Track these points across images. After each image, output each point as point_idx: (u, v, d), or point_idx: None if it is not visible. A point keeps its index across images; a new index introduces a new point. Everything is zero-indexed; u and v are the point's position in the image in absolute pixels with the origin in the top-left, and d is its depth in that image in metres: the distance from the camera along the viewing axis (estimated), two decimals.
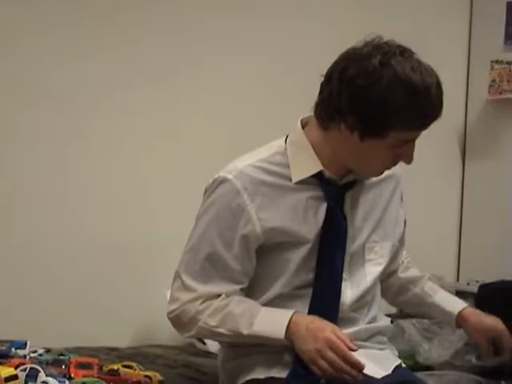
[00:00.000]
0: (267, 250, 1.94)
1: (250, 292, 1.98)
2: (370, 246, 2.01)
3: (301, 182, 1.94)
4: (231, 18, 3.15)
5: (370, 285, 2.01)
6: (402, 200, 2.13)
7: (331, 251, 1.95)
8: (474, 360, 2.62)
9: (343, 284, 1.97)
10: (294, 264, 1.93)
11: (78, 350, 2.45)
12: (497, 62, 3.59)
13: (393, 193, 2.08)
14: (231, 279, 1.94)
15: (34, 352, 2.29)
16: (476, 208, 3.73)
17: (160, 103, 3.01)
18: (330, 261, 1.95)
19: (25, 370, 1.99)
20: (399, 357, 2.10)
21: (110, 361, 2.37)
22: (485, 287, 3.03)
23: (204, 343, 2.77)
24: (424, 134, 3.60)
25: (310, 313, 1.92)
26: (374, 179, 2.03)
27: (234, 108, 3.13)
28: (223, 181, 1.94)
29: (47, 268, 2.80)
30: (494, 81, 3.61)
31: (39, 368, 2.00)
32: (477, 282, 3.15)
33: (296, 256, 1.93)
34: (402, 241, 2.16)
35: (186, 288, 1.96)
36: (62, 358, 2.24)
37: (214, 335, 1.97)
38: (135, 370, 2.21)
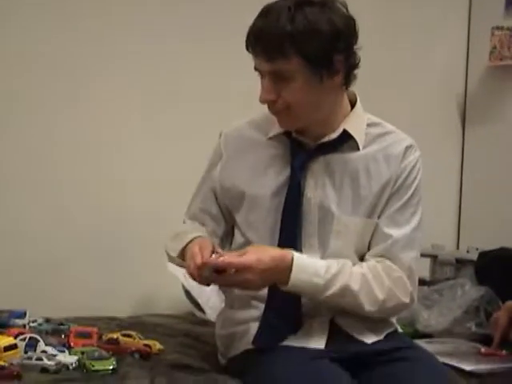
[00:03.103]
0: (234, 208, 2.04)
1: None
2: (341, 217, 1.95)
3: (273, 139, 2.01)
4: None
5: (332, 257, 1.93)
6: (409, 187, 2.00)
7: (288, 213, 1.95)
8: (473, 327, 2.62)
9: (313, 251, 1.94)
10: (254, 224, 1.99)
11: (77, 320, 2.45)
12: (497, 28, 3.56)
13: (385, 169, 1.99)
14: (198, 217, 2.10)
15: (33, 322, 2.30)
16: (476, 175, 3.71)
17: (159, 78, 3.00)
18: (288, 223, 1.95)
19: (24, 339, 2.01)
20: (398, 324, 2.10)
21: (110, 330, 2.38)
22: (484, 255, 3.02)
23: (204, 312, 2.77)
24: (425, 99, 3.62)
25: None
26: (365, 152, 1.98)
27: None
28: (219, 135, 2.12)
29: (47, 238, 2.80)
30: (494, 47, 3.57)
31: (38, 337, 2.02)
32: (477, 249, 3.14)
33: (254, 217, 1.99)
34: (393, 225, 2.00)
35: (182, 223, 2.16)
36: (61, 327, 2.26)
37: (169, 257, 2.06)
38: (135, 338, 2.22)
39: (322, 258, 1.94)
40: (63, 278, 2.81)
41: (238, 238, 2.04)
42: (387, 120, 2.09)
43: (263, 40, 1.85)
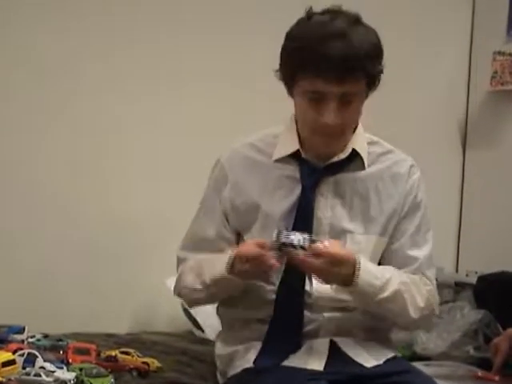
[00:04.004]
0: (244, 229, 2.00)
1: None
2: (353, 235, 1.97)
3: (280, 161, 2.00)
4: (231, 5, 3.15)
5: None
6: (419, 206, 2.05)
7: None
8: (471, 351, 2.62)
9: None
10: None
11: (75, 336, 2.45)
12: (499, 53, 3.58)
13: (392, 187, 2.02)
14: (209, 246, 2.02)
15: (31, 337, 2.30)
16: (476, 199, 3.72)
17: (158, 87, 3.00)
18: None
19: (22, 355, 2.00)
20: (397, 347, 2.10)
21: (108, 347, 2.38)
22: (484, 278, 3.02)
23: (202, 330, 2.77)
24: (426, 124, 3.63)
25: (277, 299, 1.94)
26: (371, 171, 2.00)
27: (238, 91, 3.11)
28: (216, 162, 2.07)
29: (45, 253, 2.80)
30: (495, 72, 3.60)
31: (37, 353, 2.02)
32: (476, 273, 3.14)
33: (267, 236, 1.92)
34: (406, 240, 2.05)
35: (179, 261, 2.08)
36: (59, 343, 2.26)
37: (193, 293, 2.00)
38: (133, 356, 2.22)
39: None
40: (62, 293, 2.80)
41: None
42: (388, 143, 2.10)
43: (338, 63, 1.81)
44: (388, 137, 2.11)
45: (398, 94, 3.51)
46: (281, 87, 1.97)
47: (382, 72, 1.92)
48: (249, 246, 1.87)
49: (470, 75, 3.78)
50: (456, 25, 3.75)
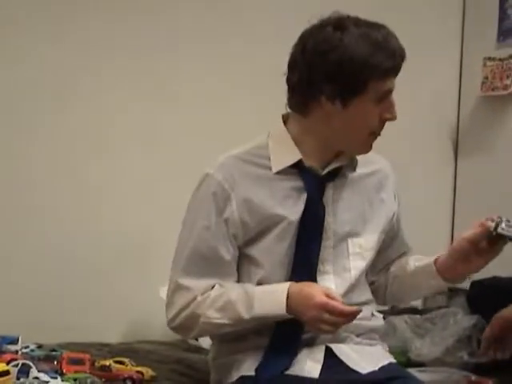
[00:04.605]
0: (249, 243, 1.96)
1: None
2: (354, 239, 2.01)
3: (281, 173, 1.98)
4: (229, 11, 3.16)
5: (353, 280, 2.01)
6: (395, 197, 2.14)
7: (308, 242, 1.96)
8: (465, 357, 2.62)
9: (327, 277, 1.98)
10: (276, 255, 1.95)
11: (70, 346, 2.44)
12: (489, 58, 3.59)
13: (380, 187, 2.09)
14: (223, 270, 1.96)
15: (25, 347, 2.29)
16: (468, 205, 3.73)
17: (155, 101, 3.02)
18: (306, 252, 1.95)
19: (16, 365, 1.99)
20: (391, 353, 2.10)
21: (102, 356, 2.38)
22: (477, 284, 3.03)
23: (196, 339, 2.76)
24: (417, 129, 3.65)
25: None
26: (359, 173, 2.04)
27: (232, 102, 3.12)
28: (205, 177, 1.99)
29: (39, 264, 2.80)
30: (486, 78, 3.61)
31: (31, 364, 2.01)
32: (469, 278, 3.14)
33: (276, 247, 1.95)
34: (395, 236, 2.17)
35: (181, 288, 1.97)
36: (53, 353, 2.25)
37: (218, 327, 1.95)
38: (127, 365, 2.22)
39: (338, 282, 1.98)
40: (55, 304, 2.80)
41: (255, 274, 1.98)
42: (380, 150, 2.11)
43: (402, 57, 1.93)
44: (379, 143, 2.12)
45: None
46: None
47: None
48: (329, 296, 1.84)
49: (461, 81, 3.79)
50: (447, 31, 3.76)
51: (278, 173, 1.98)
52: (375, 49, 1.88)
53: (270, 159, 1.98)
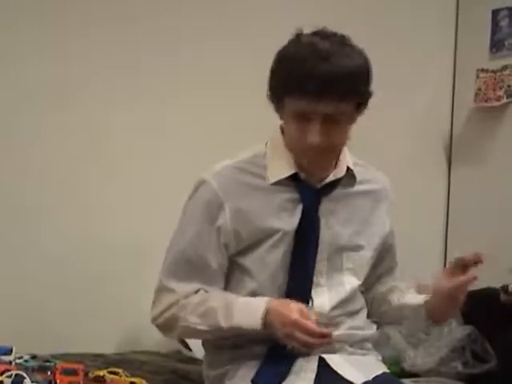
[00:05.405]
0: (242, 253, 1.96)
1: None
2: (348, 254, 2.00)
3: (277, 184, 1.97)
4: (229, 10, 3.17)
5: (348, 294, 2.00)
6: (389, 217, 2.11)
7: (303, 254, 1.95)
8: (459, 367, 2.63)
9: (320, 290, 1.97)
10: (270, 266, 1.94)
11: (63, 357, 2.44)
12: (482, 70, 3.61)
13: (376, 206, 2.06)
14: (209, 276, 1.96)
15: (19, 358, 2.28)
16: (462, 214, 3.74)
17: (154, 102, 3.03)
18: (302, 264, 1.95)
19: (10, 376, 1.99)
20: (385, 363, 2.10)
21: (96, 367, 2.37)
22: (470, 295, 3.02)
23: (190, 349, 2.76)
24: (411, 140, 3.65)
25: None
26: (357, 190, 2.02)
27: (229, 106, 3.14)
28: (201, 183, 1.98)
29: (33, 276, 2.79)
30: (479, 89, 3.63)
31: (24, 374, 2.01)
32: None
33: (269, 258, 1.94)
34: (387, 254, 2.14)
35: (165, 289, 1.98)
36: (47, 364, 2.24)
37: (197, 333, 1.96)
38: (121, 376, 2.21)
39: (331, 295, 1.98)
40: (49, 314, 2.80)
41: (248, 284, 1.97)
42: (374, 160, 2.12)
43: (320, 82, 1.80)
44: (373, 154, 2.13)
45: (382, 112, 3.52)
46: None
47: (370, 94, 1.91)
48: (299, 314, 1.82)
49: (454, 92, 3.81)
50: (440, 43, 3.78)
51: (274, 184, 1.97)
52: (300, 66, 1.82)
53: (266, 169, 1.98)
